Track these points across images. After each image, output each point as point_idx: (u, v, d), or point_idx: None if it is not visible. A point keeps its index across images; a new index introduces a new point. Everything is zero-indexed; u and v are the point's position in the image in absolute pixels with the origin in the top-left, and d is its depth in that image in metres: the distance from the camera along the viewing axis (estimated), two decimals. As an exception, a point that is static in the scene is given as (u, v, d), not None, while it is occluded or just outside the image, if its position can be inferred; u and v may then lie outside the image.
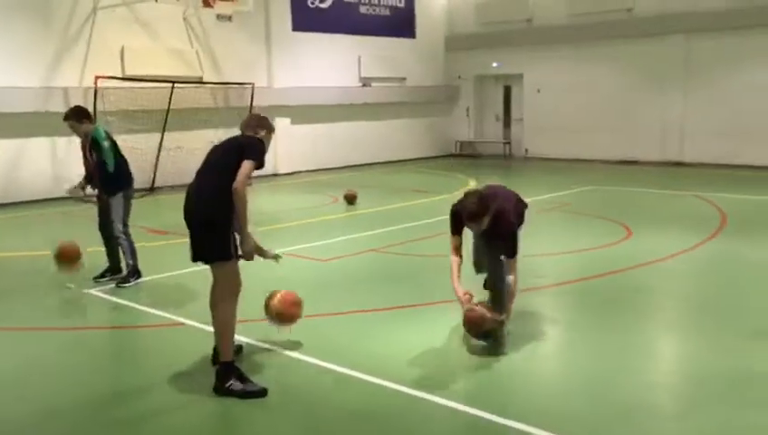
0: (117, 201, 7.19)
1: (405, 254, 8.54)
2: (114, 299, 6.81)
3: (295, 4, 17.45)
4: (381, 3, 19.56)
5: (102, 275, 7.45)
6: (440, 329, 5.68)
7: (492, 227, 5.34)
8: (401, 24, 20.15)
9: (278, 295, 5.19)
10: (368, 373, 4.76)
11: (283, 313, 5.15)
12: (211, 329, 5.59)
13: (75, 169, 13.76)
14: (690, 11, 16.74)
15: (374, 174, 17.35)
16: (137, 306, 6.54)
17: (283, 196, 14.04)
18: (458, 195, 12.44)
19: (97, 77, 13.25)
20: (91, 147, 7.09)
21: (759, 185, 13.77)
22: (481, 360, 5.06)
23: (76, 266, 7.13)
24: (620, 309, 6.26)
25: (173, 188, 13.58)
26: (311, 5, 17.87)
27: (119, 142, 7.39)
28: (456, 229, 5.51)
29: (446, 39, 21.29)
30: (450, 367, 5.01)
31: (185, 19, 15.37)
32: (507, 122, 21.08)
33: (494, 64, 20.46)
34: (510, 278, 5.37)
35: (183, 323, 5.93)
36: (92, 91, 13.32)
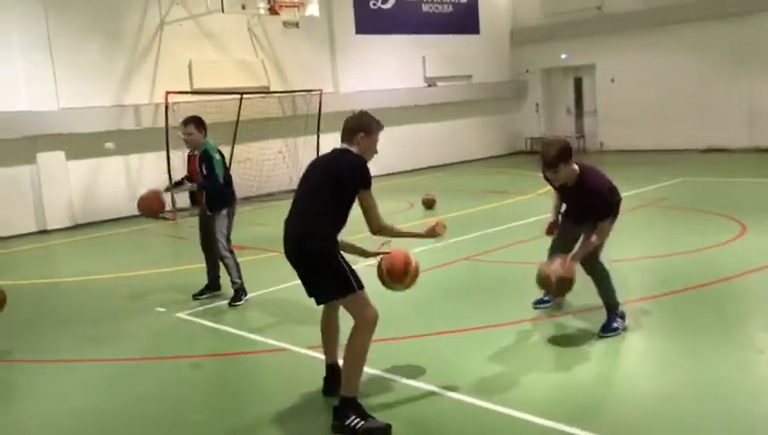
0: (221, 218, 6.94)
1: (500, 262, 8.04)
2: (207, 323, 6.51)
3: (358, 6, 17.13)
4: (444, 0, 19.06)
5: (202, 293, 7.25)
6: (559, 346, 5.18)
7: (577, 186, 5.17)
8: (464, 21, 19.61)
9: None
10: (497, 404, 4.29)
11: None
12: (315, 354, 5.31)
13: (147, 187, 13.88)
14: (776, -14, 15.72)
15: (445, 176, 16.87)
16: (233, 330, 6.22)
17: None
18: (540, 195, 11.71)
19: (167, 92, 13.15)
20: (201, 160, 6.86)
21: None
22: (601, 381, 4.53)
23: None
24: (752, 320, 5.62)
25: (246, 199, 13.41)
26: (373, 6, 17.52)
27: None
28: (551, 185, 5.49)
29: (511, 33, 20.65)
30: (594, 398, 4.49)
31: (249, 29, 15.20)
32: (579, 115, 20.28)
33: (563, 56, 19.71)
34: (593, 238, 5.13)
35: (285, 349, 5.57)
36: (163, 107, 13.24)
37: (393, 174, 17.49)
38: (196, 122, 6.93)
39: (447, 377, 4.71)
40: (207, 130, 7.00)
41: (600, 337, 5.24)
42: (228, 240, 7.03)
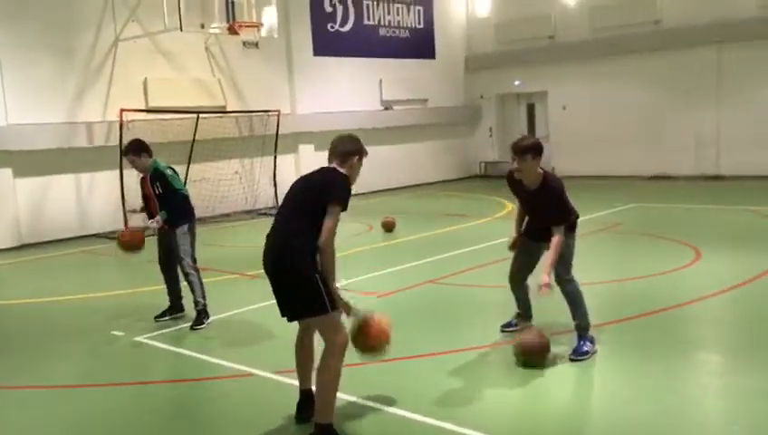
0: (182, 235, 6.79)
1: (464, 285, 8.04)
2: (167, 347, 6.30)
3: (316, 28, 17.15)
4: (401, 24, 19.27)
5: (163, 315, 7.04)
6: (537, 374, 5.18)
7: (540, 188, 5.33)
8: (421, 45, 19.84)
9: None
10: (470, 428, 4.25)
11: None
12: (283, 379, 5.20)
13: (98, 207, 13.51)
14: (720, 21, 16.35)
15: (402, 199, 16.91)
16: (195, 354, 6.02)
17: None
18: (497, 218, 11.76)
19: (122, 110, 12.87)
20: (153, 180, 6.73)
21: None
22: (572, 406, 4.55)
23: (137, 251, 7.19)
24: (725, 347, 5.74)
25: (201, 220, 13.17)
26: (330, 29, 17.56)
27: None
28: (510, 189, 5.68)
29: (466, 59, 20.96)
30: (562, 423, 4.50)
31: (206, 48, 15.04)
32: (532, 141, 20.60)
33: (516, 83, 20.10)
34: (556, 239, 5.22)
35: (252, 374, 5.43)
36: (117, 125, 12.95)
37: (355, 194, 17.43)
38: (134, 149, 6.79)
39: (419, 402, 4.66)
40: (153, 151, 6.87)
41: (572, 360, 5.27)
42: (193, 258, 6.88)
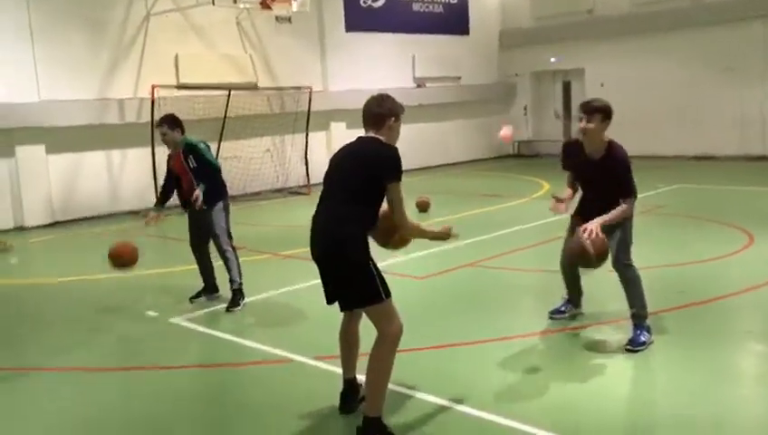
0: (218, 212, 6.59)
1: (507, 268, 7.76)
2: (203, 329, 6.13)
3: (348, 3, 16.80)
4: (434, 0, 18.82)
5: (198, 296, 6.89)
6: (580, 364, 4.91)
7: (604, 158, 5.01)
8: (454, 21, 19.38)
9: None
10: (522, 422, 4.00)
11: None
12: (324, 366, 4.99)
13: (129, 184, 13.42)
14: (767, -6, 15.71)
15: (435, 178, 16.60)
16: (232, 338, 5.84)
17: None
18: (535, 199, 11.40)
19: (154, 86, 12.71)
20: (186, 154, 6.52)
21: None
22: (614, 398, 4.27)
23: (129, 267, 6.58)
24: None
25: (232, 199, 13.00)
26: (363, 5, 17.20)
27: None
28: (565, 164, 5.35)
29: (500, 35, 20.47)
30: (617, 417, 4.23)
31: (238, 23, 14.79)
32: (568, 120, 20.15)
33: (553, 60, 19.57)
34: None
35: (291, 359, 5.22)
36: (148, 102, 12.80)
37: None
38: (169, 122, 6.61)
39: (470, 393, 4.41)
40: (185, 128, 6.66)
41: (628, 351, 4.99)
42: (230, 235, 6.69)
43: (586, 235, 4.78)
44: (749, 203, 11.14)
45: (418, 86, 18.41)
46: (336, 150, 4.18)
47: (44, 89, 12.26)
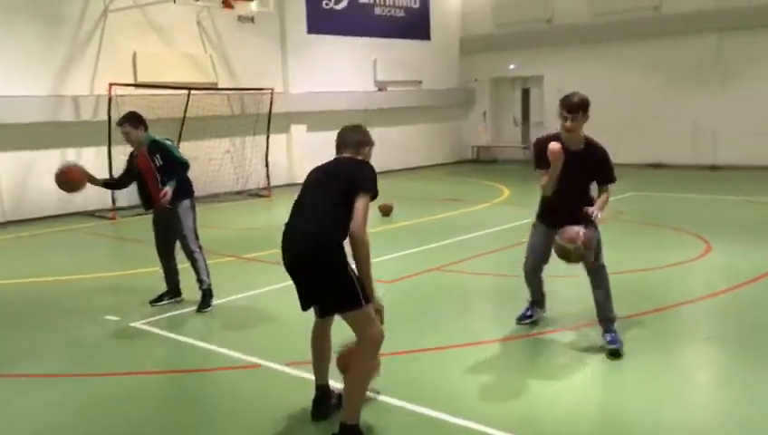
0: (185, 210, 6.47)
1: (472, 273, 7.79)
2: (168, 334, 5.98)
3: (310, 5, 16.69)
4: (396, 4, 18.85)
5: (160, 299, 6.71)
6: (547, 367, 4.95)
7: (585, 150, 5.13)
8: (416, 26, 19.44)
9: None
10: (501, 430, 4.00)
11: None
12: (294, 372, 4.92)
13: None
14: (721, 8, 16.14)
15: (396, 182, 16.58)
16: (198, 343, 5.70)
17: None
18: (496, 204, 11.45)
19: (111, 84, 12.40)
20: (152, 152, 6.37)
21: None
22: (582, 405, 4.32)
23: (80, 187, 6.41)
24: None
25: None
26: (325, 7, 17.11)
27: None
28: (540, 162, 5.21)
29: (461, 41, 20.60)
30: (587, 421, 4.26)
31: (199, 23, 14.56)
32: (526, 126, 20.40)
33: (511, 66, 19.78)
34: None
35: (259, 365, 5.13)
36: (105, 100, 12.49)
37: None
38: (131, 120, 6.43)
39: (441, 399, 4.39)
40: (148, 126, 6.50)
41: (614, 354, 5.04)
42: (197, 235, 6.56)
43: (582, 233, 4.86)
44: (704, 211, 11.43)
45: (380, 90, 18.41)
46: (312, 169, 4.17)
47: (-4, 84, 11.86)
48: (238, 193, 15.04)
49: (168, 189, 6.27)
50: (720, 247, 8.36)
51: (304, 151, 16.48)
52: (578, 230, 4.90)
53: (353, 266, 3.80)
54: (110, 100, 12.32)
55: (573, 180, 5.17)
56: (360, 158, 4.11)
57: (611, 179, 5.22)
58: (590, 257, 5.04)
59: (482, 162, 20.33)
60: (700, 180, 15.14)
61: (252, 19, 14.99)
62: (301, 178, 15.90)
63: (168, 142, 6.52)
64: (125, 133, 6.42)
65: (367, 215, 3.82)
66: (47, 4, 12.47)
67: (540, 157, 5.19)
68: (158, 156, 6.36)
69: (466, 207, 12.29)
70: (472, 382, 4.71)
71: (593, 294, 5.27)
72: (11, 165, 12.28)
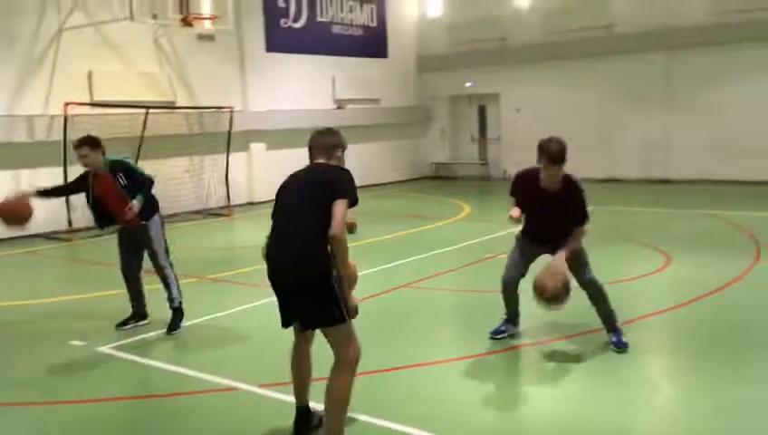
0: (156, 226, 6.36)
1: (443, 289, 7.84)
2: (137, 358, 5.84)
3: (269, 23, 16.67)
4: (354, 22, 18.96)
5: (126, 323, 6.55)
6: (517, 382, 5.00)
7: (563, 189, 5.27)
8: (373, 44, 19.58)
9: None
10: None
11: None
12: (271, 394, 4.86)
13: (40, 206, 12.73)
14: (671, 27, 16.67)
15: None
16: (169, 367, 5.59)
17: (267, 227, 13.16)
18: (457, 220, 11.58)
19: (67, 103, 12.15)
20: (114, 172, 6.23)
21: (760, 200, 13.62)
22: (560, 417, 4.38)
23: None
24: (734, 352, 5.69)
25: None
26: (284, 25, 17.11)
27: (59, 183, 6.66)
28: (514, 192, 5.49)
29: (417, 59, 20.82)
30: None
31: (155, 40, 14.39)
32: (483, 143, 20.67)
33: (467, 84, 20.06)
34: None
35: (235, 388, 5.05)
36: (60, 119, 12.22)
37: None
38: (90, 143, 6.27)
39: (418, 416, 4.40)
40: (105, 148, 6.32)
41: (620, 352, 5.32)
42: (167, 251, 6.44)
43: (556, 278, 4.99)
44: (660, 225, 11.72)
45: (339, 107, 18.44)
46: (285, 179, 4.13)
47: (-55, 104, 11.50)
48: (197, 212, 14.84)
49: (136, 203, 6.16)
50: (680, 259, 8.59)
51: (264, 170, 16.41)
52: (548, 280, 5.03)
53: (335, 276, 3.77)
54: (65, 119, 12.06)
55: (550, 217, 5.36)
56: (333, 163, 4.06)
57: (582, 221, 5.33)
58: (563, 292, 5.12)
59: (441, 178, 20.50)
60: (654, 194, 15.55)
61: (212, 37, 14.89)
62: (261, 196, 15.87)
63: (129, 160, 6.45)
64: (82, 157, 6.21)
65: (345, 217, 3.78)
66: (2, 22, 12.16)
67: (515, 189, 5.52)
68: (121, 175, 6.23)
69: (429, 224, 12.35)
70: (453, 398, 4.73)
71: (594, 308, 5.51)
72: None
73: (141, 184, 6.28)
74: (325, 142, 4.13)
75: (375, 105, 19.52)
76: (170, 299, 6.40)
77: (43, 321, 7.10)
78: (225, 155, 15.11)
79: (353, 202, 3.88)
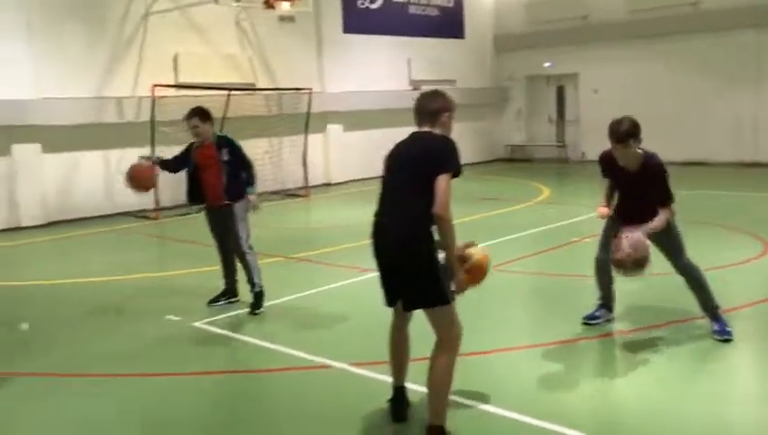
0: (241, 209, 6.42)
1: (527, 272, 7.73)
2: (229, 333, 5.99)
3: (346, 5, 16.70)
4: (430, 2, 18.78)
5: (217, 299, 6.71)
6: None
7: (641, 170, 5.12)
8: (450, 25, 19.38)
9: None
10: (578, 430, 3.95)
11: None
12: (363, 372, 4.90)
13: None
14: (760, 3, 15.85)
15: (432, 181, 16.53)
16: (263, 343, 5.70)
17: (353, 208, 13.25)
18: (537, 203, 11.32)
19: (154, 85, 12.50)
20: (220, 146, 6.37)
21: None
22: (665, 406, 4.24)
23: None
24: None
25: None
26: (360, 6, 17.10)
27: (174, 154, 6.79)
28: (603, 173, 5.47)
29: (495, 39, 20.49)
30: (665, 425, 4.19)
31: (237, 23, 14.62)
32: (561, 124, 20.22)
33: (546, 64, 19.62)
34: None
35: (328, 365, 5.11)
36: (148, 101, 12.59)
37: (377, 178, 17.09)
38: (200, 114, 6.44)
39: (522, 401, 4.35)
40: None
41: (725, 341, 5.17)
42: (248, 236, 6.54)
43: (628, 242, 4.79)
44: (752, 209, 11.22)
45: (414, 89, 18.32)
46: (391, 149, 4.07)
47: (42, 87, 11.98)
48: (275, 193, 15.07)
49: (254, 199, 6.35)
50: (778, 247, 8.21)
51: (340, 151, 16.54)
52: (624, 243, 4.83)
53: (441, 256, 3.72)
54: (152, 101, 12.41)
55: (634, 196, 5.29)
56: (437, 132, 3.94)
57: (665, 202, 5.15)
58: (643, 264, 4.89)
59: (516, 161, 20.20)
60: (745, 178, 14.89)
61: (293, 18, 15.02)
62: (337, 177, 16.01)
63: (236, 141, 6.52)
64: (193, 126, 6.39)
65: (449, 193, 3.69)
66: (90, 8, 12.60)
67: (603, 171, 5.50)
68: (225, 150, 6.35)
69: (507, 207, 12.19)
70: (551, 382, 4.67)
71: (693, 295, 5.38)
72: (56, 166, 12.42)
73: (242, 164, 6.39)
74: (429, 107, 3.98)
75: (451, 86, 19.29)
76: (251, 284, 6.47)
77: (138, 296, 7.35)
78: (302, 136, 15.27)
79: (456, 174, 3.80)
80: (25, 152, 12.00)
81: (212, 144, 6.42)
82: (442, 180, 3.70)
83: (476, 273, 4.04)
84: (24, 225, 11.98)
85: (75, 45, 12.42)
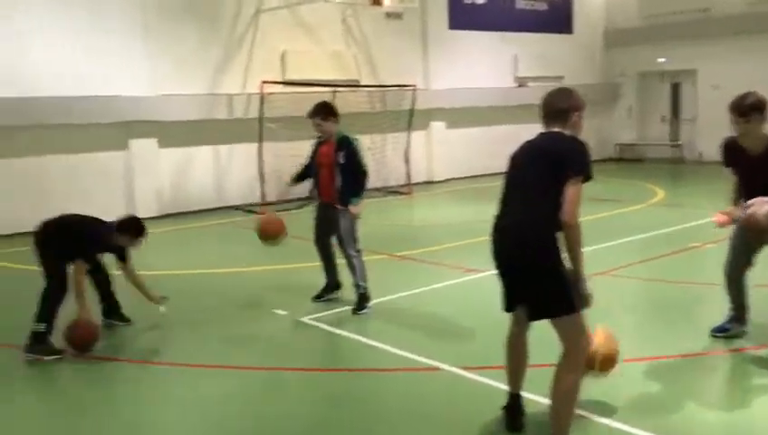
0: (350, 215, 6.33)
1: (642, 278, 7.33)
2: (338, 331, 5.95)
3: (453, 1, 16.49)
4: (539, -3, 18.31)
5: (321, 295, 6.71)
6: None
7: (766, 156, 4.76)
8: (558, 19, 18.81)
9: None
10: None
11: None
12: (474, 377, 4.72)
13: (235, 179, 13.54)
14: None
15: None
16: (370, 342, 5.62)
17: (456, 207, 13.08)
18: (652, 205, 10.54)
19: (263, 82, 12.75)
20: (340, 147, 6.29)
21: None
22: None
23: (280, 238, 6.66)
24: None
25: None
26: (467, 2, 16.85)
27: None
28: (726, 161, 5.10)
29: (605, 34, 19.74)
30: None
31: (343, 21, 14.71)
32: (675, 123, 19.23)
33: (660, 60, 18.71)
34: None
35: (438, 368, 4.96)
36: (257, 97, 12.86)
37: (486, 175, 16.76)
38: (323, 112, 6.37)
39: (640, 415, 4.05)
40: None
41: None
42: (355, 239, 6.45)
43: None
44: None
45: (520, 86, 17.93)
46: (517, 148, 3.87)
47: (157, 84, 12.46)
48: (377, 189, 15.05)
49: (355, 208, 6.25)
50: None
51: (443, 148, 16.36)
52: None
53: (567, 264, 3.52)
54: (262, 97, 12.66)
55: (759, 184, 4.77)
56: (567, 133, 3.72)
57: None
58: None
59: (626, 160, 19.38)
60: None
61: (400, 15, 14.99)
62: (440, 175, 15.75)
63: (357, 144, 6.35)
64: (317, 124, 6.37)
65: (579, 200, 3.48)
66: (203, 7, 12.99)
67: (725, 159, 5.13)
68: (342, 153, 6.25)
69: (622, 208, 11.67)
70: (677, 400, 4.35)
71: None
72: (171, 160, 12.89)
73: (355, 172, 6.25)
74: (559, 106, 3.77)
75: (558, 83, 18.71)
76: (356, 285, 6.38)
77: (247, 289, 7.46)
78: (405, 133, 15.20)
79: (587, 178, 3.57)
80: (142, 147, 12.51)
81: (333, 143, 6.35)
82: (572, 185, 3.49)
83: (607, 364, 4.01)
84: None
85: (189, 44, 12.83)
